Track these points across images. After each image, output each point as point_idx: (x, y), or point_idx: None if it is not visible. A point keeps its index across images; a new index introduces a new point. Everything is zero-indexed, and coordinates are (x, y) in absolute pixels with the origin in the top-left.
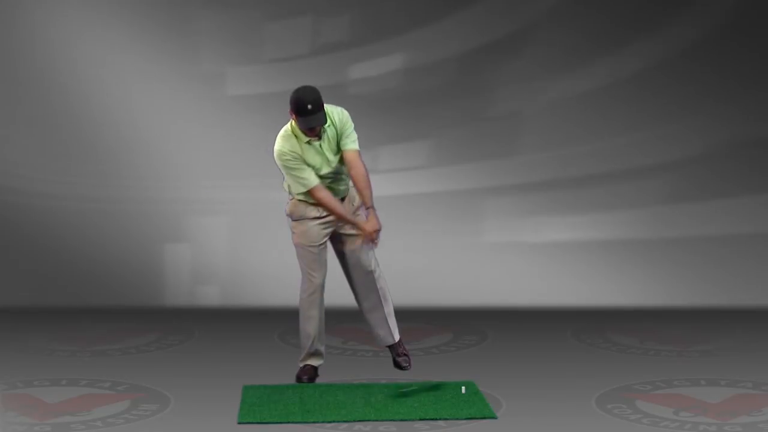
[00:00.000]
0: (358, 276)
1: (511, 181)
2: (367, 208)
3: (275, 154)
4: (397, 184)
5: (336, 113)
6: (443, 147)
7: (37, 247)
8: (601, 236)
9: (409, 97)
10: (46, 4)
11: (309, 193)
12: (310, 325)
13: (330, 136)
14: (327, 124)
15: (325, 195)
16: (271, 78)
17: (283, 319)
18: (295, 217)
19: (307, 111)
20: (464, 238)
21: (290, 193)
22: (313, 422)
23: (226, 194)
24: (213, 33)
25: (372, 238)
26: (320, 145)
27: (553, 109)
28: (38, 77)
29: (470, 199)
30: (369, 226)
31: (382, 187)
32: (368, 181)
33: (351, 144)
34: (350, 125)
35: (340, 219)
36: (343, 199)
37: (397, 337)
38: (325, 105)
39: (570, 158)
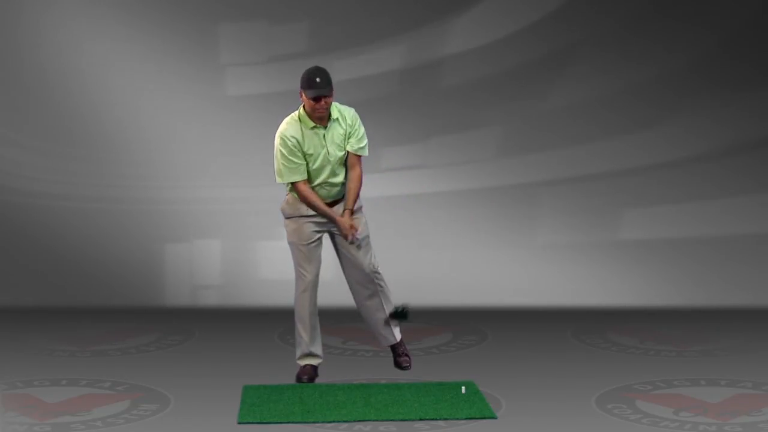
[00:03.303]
0: (358, 277)
1: (509, 182)
2: (345, 210)
3: (276, 135)
4: (397, 185)
5: (347, 111)
6: (438, 148)
7: (37, 247)
8: (600, 236)
9: (404, 99)
10: (49, 6)
11: (293, 185)
12: (303, 322)
13: (337, 132)
14: (335, 117)
15: (306, 189)
16: (271, 78)
17: (283, 319)
18: (287, 215)
19: (316, 83)
20: (464, 239)
21: (287, 187)
22: (313, 422)
23: (226, 194)
24: (213, 33)
25: (349, 234)
26: (324, 135)
27: (554, 110)
28: (40, 78)
29: (469, 199)
30: (345, 222)
31: (381, 187)
32: (359, 186)
33: (358, 147)
34: (361, 128)
35: (319, 213)
36: (337, 202)
37: (398, 337)
38: (337, 104)
39: (568, 159)
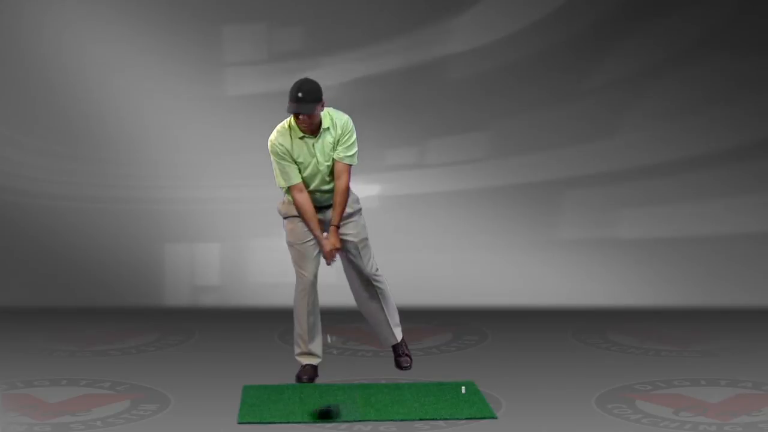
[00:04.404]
0: (358, 280)
1: (510, 182)
2: (332, 226)
3: (268, 143)
4: (397, 185)
5: (339, 119)
6: (438, 148)
7: (38, 247)
8: (600, 236)
9: (404, 99)
10: (51, 7)
11: (289, 189)
12: (301, 320)
13: (327, 141)
14: (326, 127)
15: (300, 198)
16: (271, 78)
17: (283, 319)
18: (283, 215)
19: (297, 98)
20: (463, 238)
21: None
22: (313, 422)
23: (226, 194)
24: (214, 34)
25: (328, 256)
26: (313, 145)
27: (554, 110)
28: (41, 79)
29: (469, 199)
30: (327, 244)
31: (381, 187)
32: (345, 199)
33: (345, 155)
34: (351, 136)
35: (306, 226)
36: (329, 206)
37: (399, 338)
38: (332, 110)
39: (568, 159)
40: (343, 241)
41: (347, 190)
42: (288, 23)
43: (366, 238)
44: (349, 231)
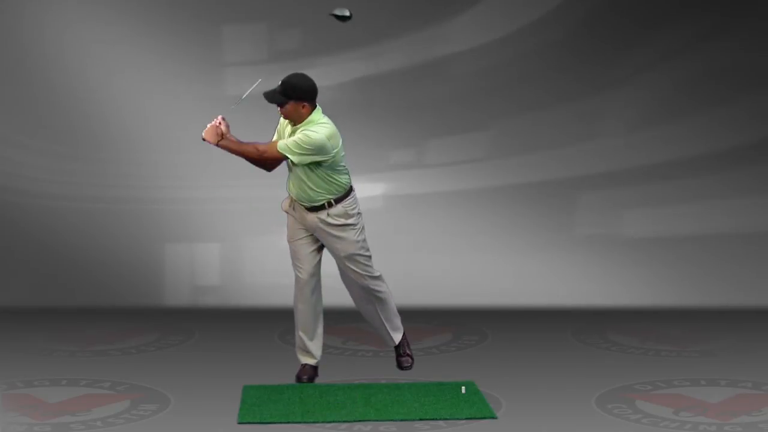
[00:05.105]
0: (353, 286)
1: (509, 182)
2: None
3: None
4: (397, 185)
5: (309, 129)
6: (437, 148)
7: (38, 247)
8: (600, 236)
9: (404, 99)
10: (52, 7)
11: None
12: (299, 318)
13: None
14: (299, 127)
15: (253, 145)
16: (271, 78)
17: (283, 319)
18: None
19: (277, 86)
20: (463, 238)
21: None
22: (313, 422)
23: (226, 194)
24: (214, 34)
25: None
26: (286, 131)
27: (554, 110)
28: (42, 80)
29: (469, 200)
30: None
31: (381, 187)
32: (248, 149)
33: (285, 142)
34: (303, 139)
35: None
36: (314, 208)
37: (397, 341)
38: (324, 122)
39: (568, 159)
40: (332, 252)
41: (254, 151)
42: (288, 23)
43: (353, 254)
44: (333, 245)
